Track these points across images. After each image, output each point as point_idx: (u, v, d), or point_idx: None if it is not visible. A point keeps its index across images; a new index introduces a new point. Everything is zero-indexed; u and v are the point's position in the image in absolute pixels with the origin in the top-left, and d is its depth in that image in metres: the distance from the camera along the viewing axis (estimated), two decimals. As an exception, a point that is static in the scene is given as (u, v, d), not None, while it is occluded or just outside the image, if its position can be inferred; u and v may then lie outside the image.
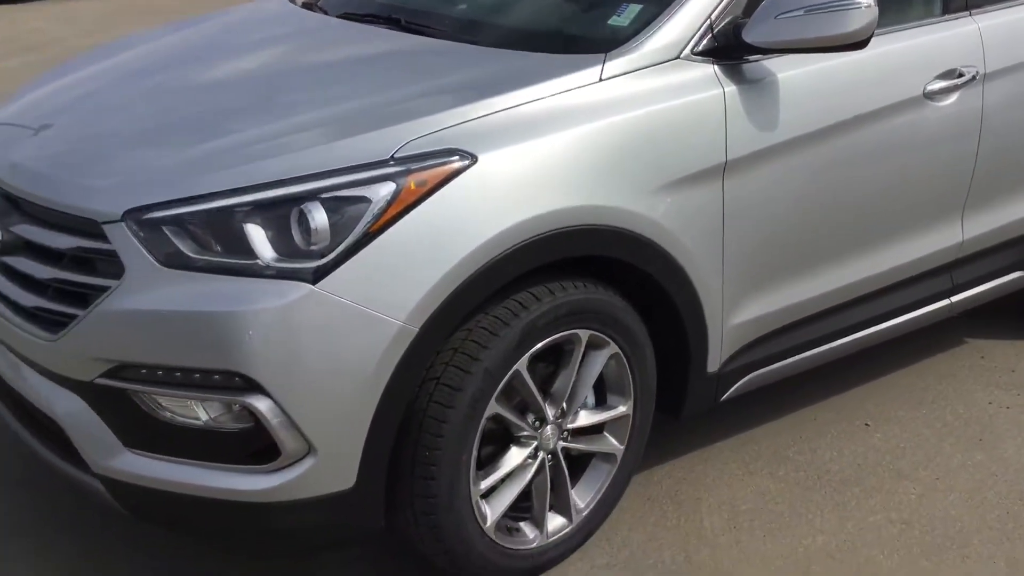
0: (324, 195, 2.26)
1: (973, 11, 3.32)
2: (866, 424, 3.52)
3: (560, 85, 2.53)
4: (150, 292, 2.27)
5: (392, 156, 2.32)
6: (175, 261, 2.28)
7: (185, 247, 2.29)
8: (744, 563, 2.82)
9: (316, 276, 2.22)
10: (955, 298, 3.58)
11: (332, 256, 2.23)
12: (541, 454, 2.66)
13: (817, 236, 3.03)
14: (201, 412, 2.33)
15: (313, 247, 2.24)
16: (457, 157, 2.34)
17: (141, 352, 2.30)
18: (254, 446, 2.30)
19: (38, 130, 2.77)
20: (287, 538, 2.43)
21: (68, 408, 2.43)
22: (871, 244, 3.20)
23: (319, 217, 2.24)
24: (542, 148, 2.44)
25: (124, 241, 2.30)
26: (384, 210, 2.26)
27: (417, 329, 2.29)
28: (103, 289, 2.33)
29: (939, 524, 3.00)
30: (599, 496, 2.81)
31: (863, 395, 3.69)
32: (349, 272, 2.23)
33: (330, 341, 2.24)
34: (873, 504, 3.09)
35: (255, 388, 2.24)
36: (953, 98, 3.21)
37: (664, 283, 2.68)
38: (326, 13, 3.43)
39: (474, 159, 2.35)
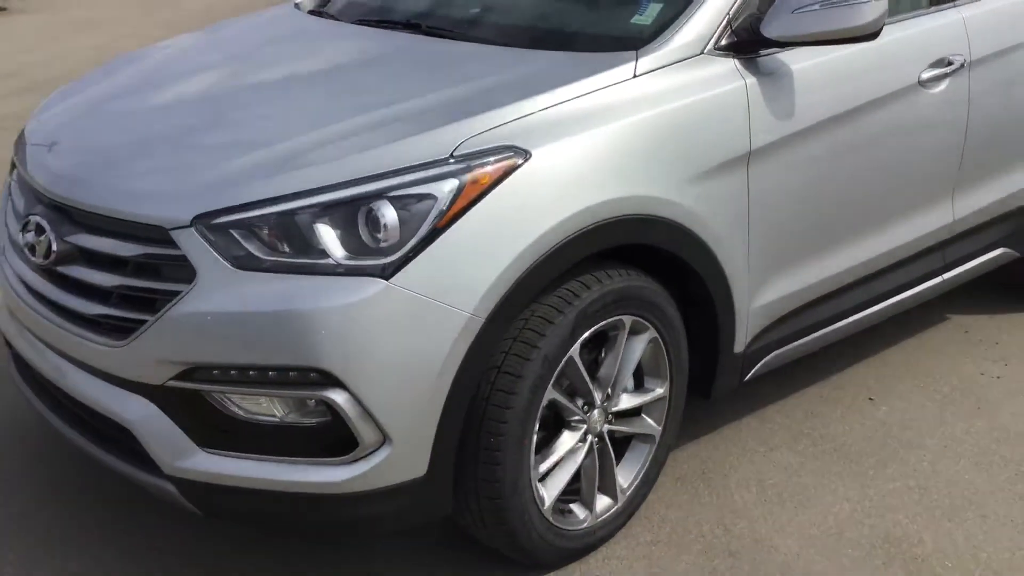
0: (392, 194, 2.35)
1: (957, 1, 3.50)
2: (870, 399, 3.69)
3: (598, 82, 2.65)
4: (223, 294, 2.33)
5: (451, 154, 2.41)
6: (247, 263, 2.35)
7: (255, 249, 2.35)
8: (781, 533, 2.96)
9: (389, 272, 2.30)
10: (946, 276, 3.77)
11: (403, 252, 2.32)
12: (590, 437, 2.77)
13: (829, 219, 3.18)
14: (276, 408, 2.40)
15: (383, 244, 2.32)
16: (512, 153, 2.44)
17: (215, 353, 2.36)
18: (331, 439, 2.38)
19: (83, 140, 2.82)
20: (361, 527, 2.51)
21: (137, 412, 2.47)
22: (876, 225, 3.37)
23: (389, 215, 2.32)
24: (588, 142, 2.56)
25: (194, 246, 2.36)
26: (449, 206, 2.36)
27: (484, 319, 2.38)
28: (172, 293, 2.38)
29: (955, 488, 3.17)
30: (640, 476, 2.93)
31: (862, 372, 3.86)
32: (419, 267, 2.32)
33: (403, 334, 2.32)
34: (891, 472, 3.25)
35: (332, 382, 2.31)
36: (943, 85, 3.40)
37: (698, 268, 2.81)
38: (337, 19, 3.51)
39: (528, 155, 2.45)
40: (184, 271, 2.38)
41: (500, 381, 2.48)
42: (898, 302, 3.61)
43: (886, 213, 3.39)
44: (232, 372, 2.37)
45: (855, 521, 3.01)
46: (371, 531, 2.51)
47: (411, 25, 3.25)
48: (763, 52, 2.92)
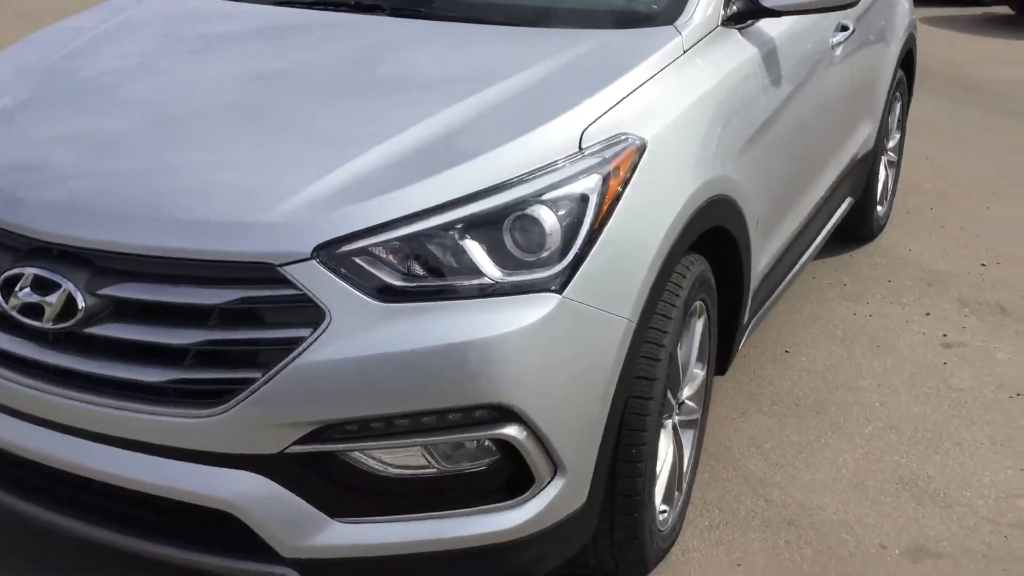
0: (545, 196, 2.08)
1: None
2: (786, 351, 3.86)
3: (661, 60, 2.51)
4: (365, 334, 1.96)
5: (579, 147, 2.19)
6: (388, 295, 1.99)
7: (389, 277, 2.01)
8: (813, 493, 3.02)
9: (561, 284, 2.05)
10: (826, 227, 4.01)
11: (569, 260, 2.07)
12: (671, 432, 2.66)
13: (792, 180, 3.28)
14: (430, 458, 2.06)
15: (544, 254, 2.06)
16: (631, 141, 2.26)
17: (356, 406, 1.99)
18: (497, 481, 2.09)
19: (85, 165, 2.23)
20: (526, 572, 2.23)
21: (238, 490, 2.03)
22: (809, 183, 3.52)
23: (549, 220, 2.06)
24: (681, 122, 2.44)
25: (319, 281, 1.97)
26: (601, 204, 2.14)
27: (636, 323, 2.20)
28: (288, 341, 1.97)
29: (917, 423, 3.39)
30: (691, 462, 2.86)
31: (762, 327, 4.01)
32: (585, 274, 2.09)
33: (574, 350, 2.09)
34: (856, 417, 3.42)
35: (506, 417, 2.03)
36: (840, 49, 3.59)
37: (740, 244, 2.77)
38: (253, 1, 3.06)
39: (644, 141, 2.28)
40: (302, 313, 1.98)
41: (635, 388, 2.30)
42: (807, 258, 3.79)
43: (815, 170, 3.54)
44: (374, 424, 2.01)
45: (864, 470, 3.14)
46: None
47: (366, 7, 2.88)
48: (750, 22, 2.91)
